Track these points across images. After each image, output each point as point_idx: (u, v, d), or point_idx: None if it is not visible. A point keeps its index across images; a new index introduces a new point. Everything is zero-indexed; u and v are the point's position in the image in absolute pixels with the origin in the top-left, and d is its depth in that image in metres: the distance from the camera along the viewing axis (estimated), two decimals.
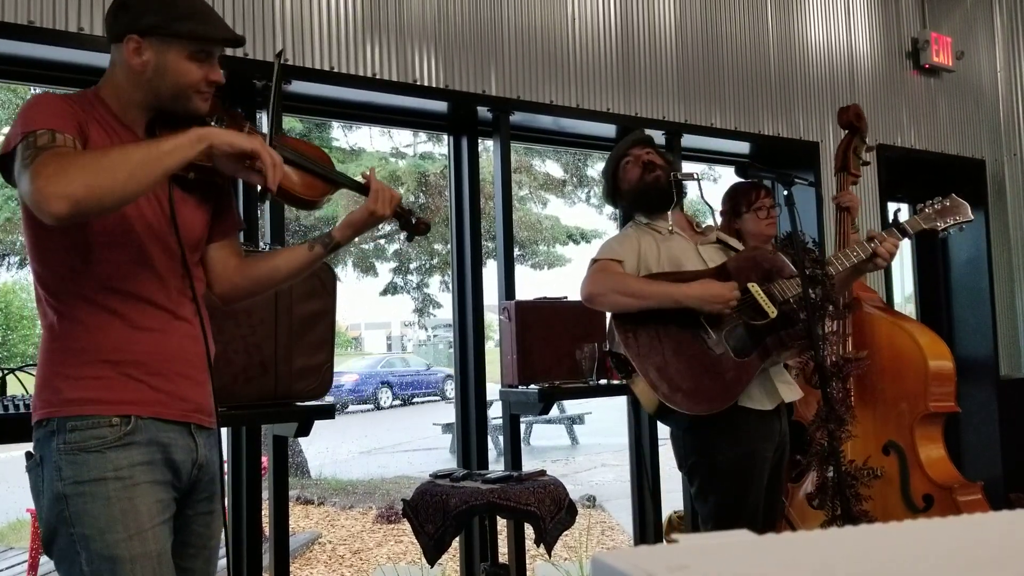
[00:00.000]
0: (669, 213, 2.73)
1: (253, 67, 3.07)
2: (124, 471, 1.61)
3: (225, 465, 1.91)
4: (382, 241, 11.26)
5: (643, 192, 2.70)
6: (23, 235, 1.68)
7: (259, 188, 1.68)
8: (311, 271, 1.95)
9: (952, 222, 2.75)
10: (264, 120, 3.14)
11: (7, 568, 5.42)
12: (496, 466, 3.79)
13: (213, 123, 1.74)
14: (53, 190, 1.44)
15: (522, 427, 7.93)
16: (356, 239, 2.04)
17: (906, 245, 5.78)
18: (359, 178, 1.89)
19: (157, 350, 1.68)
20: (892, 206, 5.47)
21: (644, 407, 2.63)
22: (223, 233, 1.88)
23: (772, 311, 2.48)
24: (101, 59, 2.94)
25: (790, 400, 2.63)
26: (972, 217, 2.81)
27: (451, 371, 3.70)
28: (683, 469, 2.66)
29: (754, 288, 2.52)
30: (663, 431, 3.01)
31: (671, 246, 2.63)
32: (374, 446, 12.35)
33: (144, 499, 1.63)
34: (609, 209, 11.97)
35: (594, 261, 2.63)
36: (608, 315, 2.69)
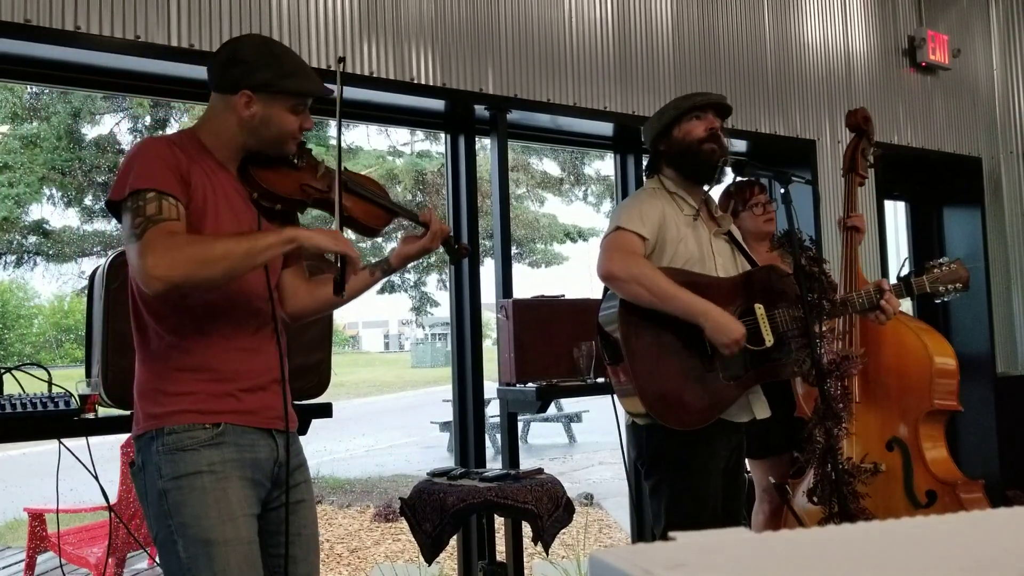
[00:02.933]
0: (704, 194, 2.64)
1: None
2: (217, 466, 1.80)
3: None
4: (380, 240, 11.26)
5: (693, 155, 2.57)
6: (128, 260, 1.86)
7: (335, 279, 1.90)
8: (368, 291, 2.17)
9: (953, 288, 2.79)
10: None
11: (4, 567, 5.41)
12: (494, 464, 3.79)
13: (294, 160, 1.97)
14: (156, 273, 1.66)
15: (519, 425, 7.92)
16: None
17: (903, 240, 5.80)
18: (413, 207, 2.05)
19: (245, 369, 1.88)
20: (889, 204, 5.48)
21: (618, 394, 2.59)
22: (295, 259, 2.08)
23: (769, 340, 2.46)
24: (97, 58, 2.95)
25: (761, 418, 2.61)
26: (969, 288, 2.87)
27: None
28: (640, 462, 2.61)
29: (760, 311, 2.48)
30: None
31: (696, 235, 2.55)
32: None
33: (235, 491, 1.81)
34: (606, 207, 11.97)
35: (617, 228, 2.48)
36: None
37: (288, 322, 2.11)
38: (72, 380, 2.58)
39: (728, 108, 2.66)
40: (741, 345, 2.40)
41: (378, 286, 2.62)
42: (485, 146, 3.99)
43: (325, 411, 2.85)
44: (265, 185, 1.92)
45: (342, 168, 2.00)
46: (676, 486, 2.50)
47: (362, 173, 2.20)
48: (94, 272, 2.72)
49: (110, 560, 3.81)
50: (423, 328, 31.57)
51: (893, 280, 2.85)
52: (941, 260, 2.85)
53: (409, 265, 2.37)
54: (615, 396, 2.63)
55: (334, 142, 2.05)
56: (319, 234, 1.87)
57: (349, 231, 2.05)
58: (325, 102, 1.95)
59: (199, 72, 2.36)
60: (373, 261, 2.13)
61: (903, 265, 2.91)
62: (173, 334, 1.83)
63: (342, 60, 2.09)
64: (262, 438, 1.90)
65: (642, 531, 4.12)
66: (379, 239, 9.85)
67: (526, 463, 3.64)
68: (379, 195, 2.06)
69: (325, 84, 2.00)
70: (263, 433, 1.90)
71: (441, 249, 2.12)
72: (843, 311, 2.75)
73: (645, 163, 2.78)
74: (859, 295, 2.73)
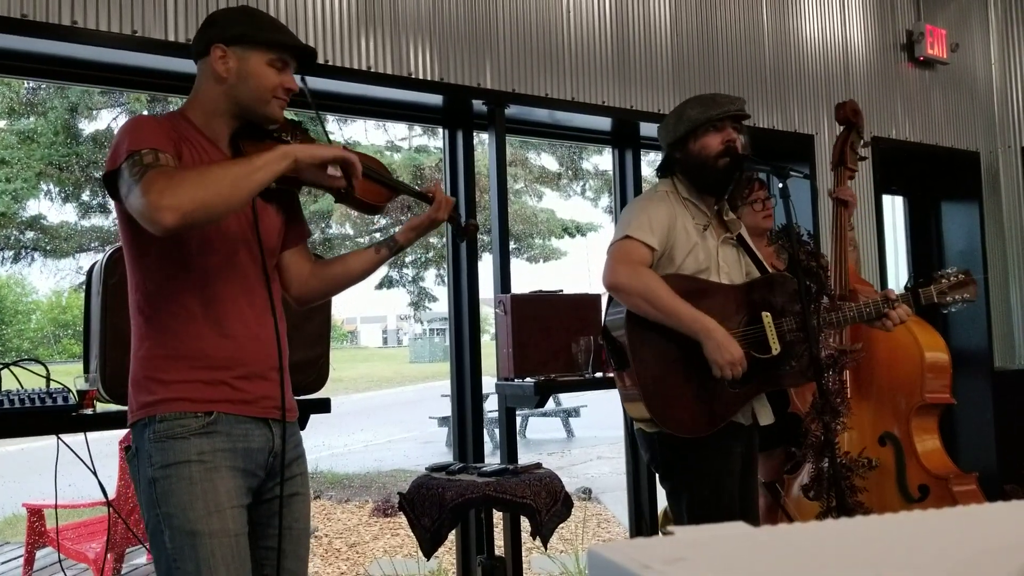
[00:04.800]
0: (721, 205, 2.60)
1: None
2: (206, 455, 1.78)
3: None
4: (378, 235, 11.26)
5: (708, 170, 2.52)
6: (123, 249, 1.86)
7: (343, 190, 1.89)
8: (376, 270, 2.14)
9: (960, 298, 2.75)
10: None
11: (3, 563, 5.42)
12: (492, 459, 3.79)
13: (286, 136, 1.93)
14: (165, 203, 1.61)
15: (518, 420, 7.89)
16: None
17: (901, 235, 5.80)
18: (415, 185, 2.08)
19: (240, 354, 1.84)
20: (887, 199, 5.48)
21: (622, 399, 2.61)
22: (296, 240, 2.06)
23: (776, 348, 2.45)
24: (94, 52, 2.94)
25: (765, 423, 2.60)
26: (975, 299, 2.81)
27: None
28: (655, 467, 2.62)
29: (767, 320, 2.47)
30: None
31: (706, 246, 2.52)
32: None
33: (224, 482, 1.79)
34: (604, 202, 11.97)
35: (625, 237, 2.44)
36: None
37: (295, 306, 2.09)
38: (70, 375, 2.57)
39: (747, 116, 2.60)
40: (737, 370, 2.37)
41: (377, 280, 2.62)
42: (483, 141, 3.98)
43: (323, 406, 2.84)
44: None
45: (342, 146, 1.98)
46: (694, 489, 2.50)
47: (363, 152, 2.19)
48: (92, 267, 2.72)
49: (109, 555, 3.81)
50: (421, 323, 31.60)
51: (900, 290, 2.83)
52: (949, 270, 2.80)
53: (416, 242, 2.30)
54: (621, 401, 2.64)
55: (332, 136, 2.04)
56: (314, 146, 1.85)
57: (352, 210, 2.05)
58: (323, 98, 1.98)
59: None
60: (379, 238, 2.12)
61: (909, 279, 2.88)
62: (167, 321, 1.81)
63: (303, 90, 2.03)
64: (257, 428, 1.87)
65: (640, 525, 4.12)
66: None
67: (524, 458, 3.65)
68: (379, 172, 2.03)
69: (312, 79, 2.00)
70: (259, 423, 1.87)
71: (450, 229, 2.11)
72: (846, 321, 2.73)
73: (659, 162, 2.73)
74: (866, 305, 2.70)
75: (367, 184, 1.97)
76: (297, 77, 2.01)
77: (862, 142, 3.34)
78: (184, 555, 1.74)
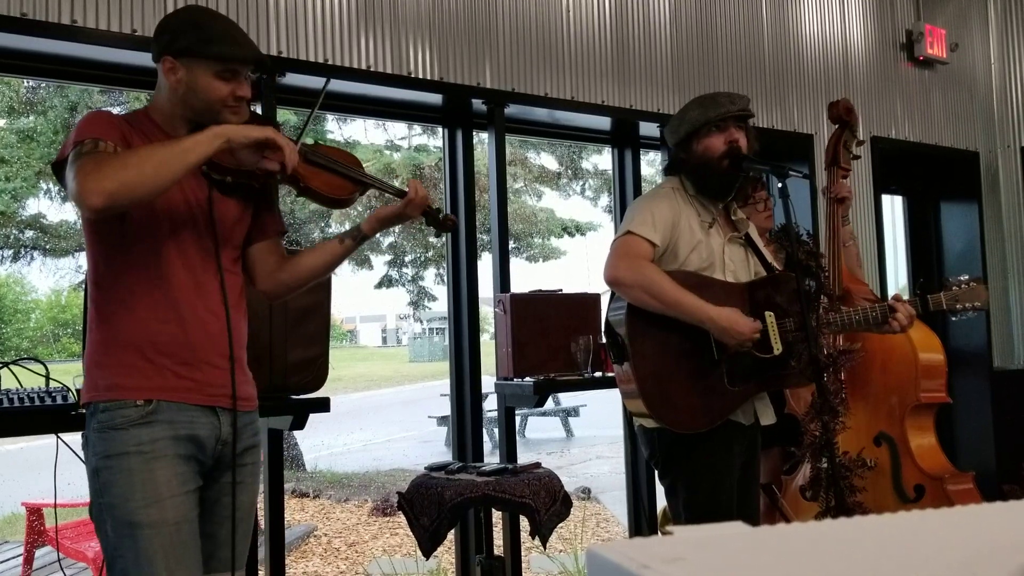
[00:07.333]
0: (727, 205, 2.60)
1: None
2: (146, 446, 1.79)
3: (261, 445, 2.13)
4: (377, 236, 11.24)
5: (711, 171, 2.52)
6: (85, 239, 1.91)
7: (280, 176, 1.89)
8: (343, 262, 2.14)
9: (970, 307, 2.71)
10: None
11: (2, 562, 5.42)
12: (491, 459, 3.79)
13: None
14: (90, 186, 1.66)
15: (517, 420, 7.88)
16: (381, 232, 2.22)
17: (900, 235, 5.80)
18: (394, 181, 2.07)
19: (185, 341, 1.85)
20: (886, 198, 5.48)
21: (622, 395, 2.61)
22: (264, 234, 2.07)
23: (778, 348, 2.44)
24: (93, 51, 2.94)
25: (766, 423, 2.59)
26: (987, 308, 2.77)
27: None
28: (653, 463, 2.62)
29: (770, 320, 2.46)
30: None
31: (709, 243, 2.51)
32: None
33: (163, 471, 1.80)
34: (604, 202, 11.97)
35: (627, 233, 2.45)
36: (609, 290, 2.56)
37: (266, 301, 2.11)
38: (70, 375, 2.57)
39: (750, 114, 2.59)
40: (753, 339, 2.38)
41: (376, 279, 2.61)
42: (483, 140, 3.98)
43: (323, 405, 2.85)
44: (213, 157, 1.86)
45: (309, 142, 1.98)
46: (691, 486, 2.50)
47: (333, 146, 2.18)
48: None
49: None
50: (421, 323, 31.58)
51: (901, 290, 2.81)
52: (962, 278, 2.77)
53: (383, 231, 2.26)
54: (622, 397, 2.64)
55: (331, 135, 2.05)
56: (246, 126, 1.86)
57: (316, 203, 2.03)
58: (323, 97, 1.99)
59: None
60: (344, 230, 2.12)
61: (917, 282, 2.87)
62: (113, 306, 1.84)
63: (327, 81, 2.09)
64: (203, 415, 1.87)
65: (639, 525, 4.12)
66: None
67: (524, 457, 3.65)
68: (344, 165, 2.01)
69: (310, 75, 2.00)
70: (205, 411, 1.88)
71: (424, 222, 2.09)
72: (850, 326, 2.71)
73: (660, 161, 2.74)
74: (872, 309, 2.68)
75: (327, 176, 1.97)
76: (320, 80, 2.04)
77: (856, 141, 3.33)
78: (124, 545, 1.78)
